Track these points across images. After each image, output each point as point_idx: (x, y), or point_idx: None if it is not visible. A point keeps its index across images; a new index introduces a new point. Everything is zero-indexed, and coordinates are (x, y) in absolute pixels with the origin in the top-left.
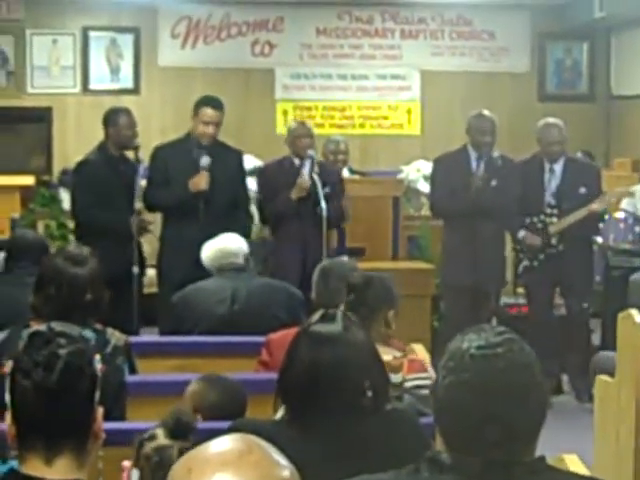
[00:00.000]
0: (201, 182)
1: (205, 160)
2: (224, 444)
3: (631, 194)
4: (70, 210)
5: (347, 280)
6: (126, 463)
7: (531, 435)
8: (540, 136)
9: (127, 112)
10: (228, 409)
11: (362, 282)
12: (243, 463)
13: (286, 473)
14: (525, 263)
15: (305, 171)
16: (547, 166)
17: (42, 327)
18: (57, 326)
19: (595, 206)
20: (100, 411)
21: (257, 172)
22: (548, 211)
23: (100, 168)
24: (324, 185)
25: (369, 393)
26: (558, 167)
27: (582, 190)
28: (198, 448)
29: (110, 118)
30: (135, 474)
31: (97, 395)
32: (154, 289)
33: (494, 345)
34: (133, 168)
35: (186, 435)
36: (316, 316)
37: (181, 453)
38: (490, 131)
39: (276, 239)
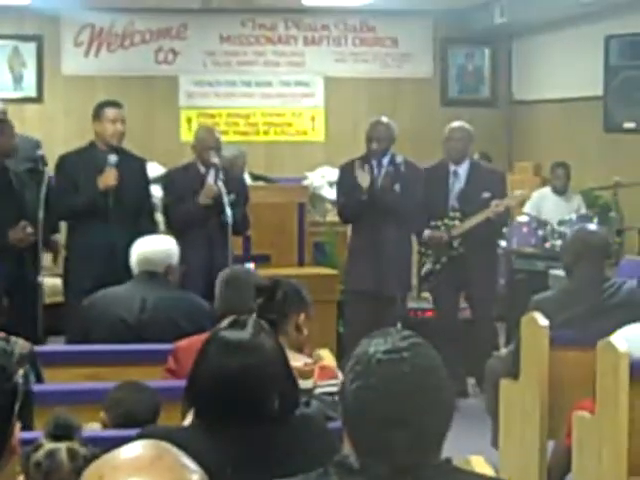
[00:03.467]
0: (110, 178)
1: (113, 158)
2: (135, 450)
3: (525, 196)
4: None
5: (255, 284)
6: None
7: (438, 438)
8: (445, 137)
9: (3, 122)
10: (141, 413)
11: (270, 285)
12: (155, 468)
13: (196, 477)
14: (428, 266)
15: (210, 179)
16: (452, 169)
17: None
18: None
19: (494, 209)
20: (17, 426)
21: (162, 177)
22: (451, 214)
23: None
24: (229, 192)
25: (277, 401)
26: (462, 171)
27: (485, 194)
28: (108, 455)
29: None
30: None
31: (16, 408)
32: (56, 298)
33: (400, 349)
34: (22, 178)
35: (69, 434)
36: (226, 322)
37: (70, 453)
38: (379, 137)
39: (181, 246)
